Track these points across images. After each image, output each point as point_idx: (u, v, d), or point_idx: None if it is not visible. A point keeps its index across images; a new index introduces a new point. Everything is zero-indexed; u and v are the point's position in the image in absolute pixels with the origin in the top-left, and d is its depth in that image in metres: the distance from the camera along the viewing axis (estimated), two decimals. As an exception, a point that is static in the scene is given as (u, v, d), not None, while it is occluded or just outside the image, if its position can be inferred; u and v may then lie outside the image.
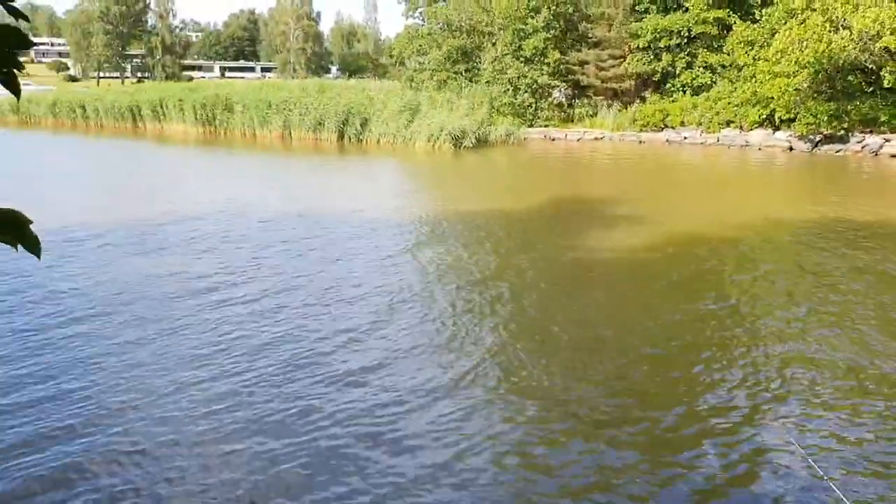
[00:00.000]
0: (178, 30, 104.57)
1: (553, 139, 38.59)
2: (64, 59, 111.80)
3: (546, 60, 40.04)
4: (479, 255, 14.76)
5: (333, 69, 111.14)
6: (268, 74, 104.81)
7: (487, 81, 40.98)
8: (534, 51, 39.83)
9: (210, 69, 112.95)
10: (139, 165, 28.81)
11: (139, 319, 10.56)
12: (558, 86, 41.55)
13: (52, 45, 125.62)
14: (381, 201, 21.19)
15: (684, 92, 39.82)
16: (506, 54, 40.42)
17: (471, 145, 34.43)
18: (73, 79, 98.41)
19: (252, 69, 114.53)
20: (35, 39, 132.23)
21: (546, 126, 40.03)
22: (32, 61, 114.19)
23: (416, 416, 7.89)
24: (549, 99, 41.33)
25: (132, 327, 10.25)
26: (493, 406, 8.22)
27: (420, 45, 45.29)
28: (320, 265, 13.76)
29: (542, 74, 39.94)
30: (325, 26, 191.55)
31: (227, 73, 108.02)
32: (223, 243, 15.30)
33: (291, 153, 33.44)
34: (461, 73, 43.42)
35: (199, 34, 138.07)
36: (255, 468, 6.81)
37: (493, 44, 41.41)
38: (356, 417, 7.80)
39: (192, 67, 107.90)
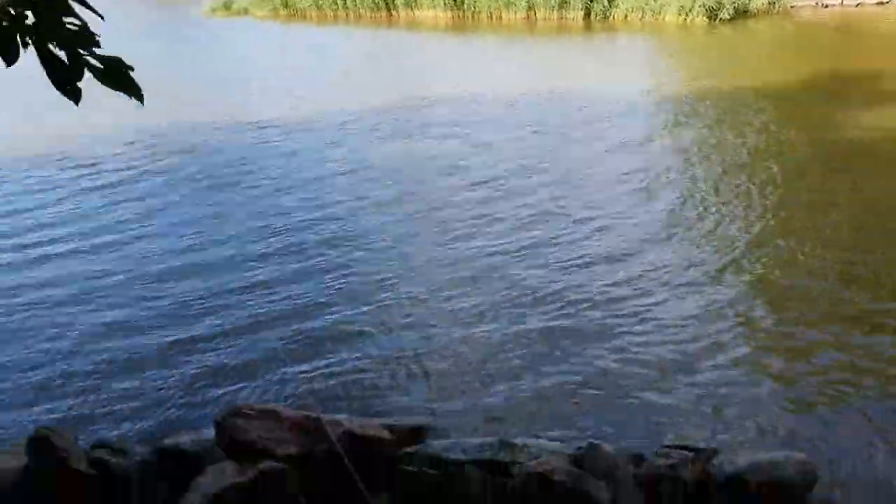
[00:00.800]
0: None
1: (826, 5, 34.32)
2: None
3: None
4: (744, 135, 14.03)
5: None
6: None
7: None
8: None
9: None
10: (390, 52, 30.29)
11: (396, 201, 11.51)
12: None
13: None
14: (630, 80, 20.60)
15: None
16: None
17: (727, 17, 31.73)
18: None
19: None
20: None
21: (818, -10, 35.61)
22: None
23: (673, 304, 8.03)
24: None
25: (390, 207, 11.26)
26: (753, 299, 8.12)
27: None
28: (570, 147, 13.97)
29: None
30: None
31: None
32: (469, 126, 15.98)
33: (536, 33, 33.17)
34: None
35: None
36: (494, 349, 7.44)
37: None
38: (606, 303, 8.14)
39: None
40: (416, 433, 6.18)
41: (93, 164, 13.75)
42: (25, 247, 10.15)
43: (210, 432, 5.60)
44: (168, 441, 5.52)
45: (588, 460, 5.16)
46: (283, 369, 7.02)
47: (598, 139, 14.53)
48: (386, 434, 5.48)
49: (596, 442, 5.37)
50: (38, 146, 14.88)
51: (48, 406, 6.60)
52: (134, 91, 2.66)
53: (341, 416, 5.63)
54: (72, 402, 6.64)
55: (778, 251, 9.16)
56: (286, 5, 46.26)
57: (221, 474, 4.89)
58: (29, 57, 2.67)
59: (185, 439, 5.55)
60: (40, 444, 5.00)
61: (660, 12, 33.05)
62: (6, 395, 6.81)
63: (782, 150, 13.00)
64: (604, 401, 6.51)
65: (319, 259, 9.53)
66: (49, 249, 10.03)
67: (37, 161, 13.97)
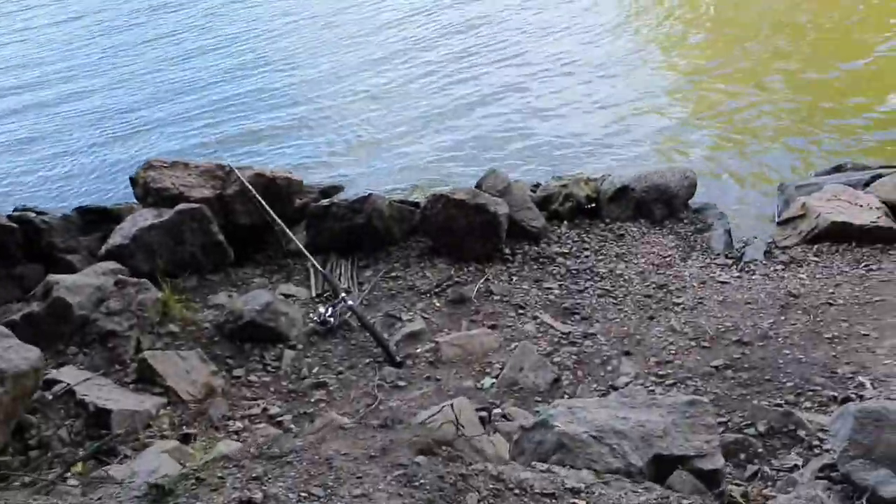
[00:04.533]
0: None
1: None
2: None
3: None
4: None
5: None
6: None
7: None
8: None
9: None
10: None
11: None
12: None
13: None
14: None
15: None
16: None
17: None
18: None
19: None
20: None
21: None
22: None
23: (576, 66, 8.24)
24: None
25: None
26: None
27: None
28: None
29: None
30: None
31: None
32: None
33: None
34: None
35: None
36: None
37: None
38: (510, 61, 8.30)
39: None
40: (332, 190, 6.52)
41: None
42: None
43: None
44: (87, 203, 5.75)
45: (487, 181, 5.55)
46: (194, 129, 7.18)
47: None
48: (297, 177, 5.75)
49: (494, 167, 5.74)
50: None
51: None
52: None
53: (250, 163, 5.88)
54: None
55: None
56: None
57: (139, 218, 5.15)
58: None
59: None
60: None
61: None
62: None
63: None
64: (504, 145, 6.87)
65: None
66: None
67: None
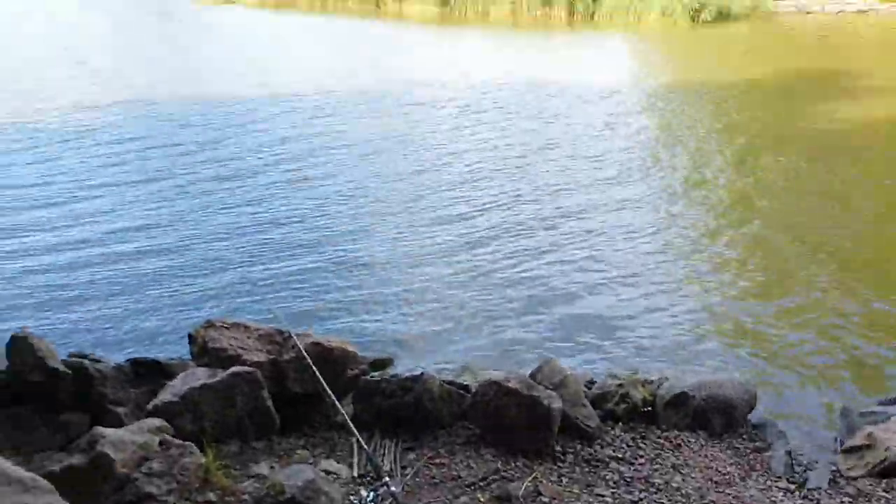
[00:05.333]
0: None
1: (808, 12, 35.00)
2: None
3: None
4: (721, 123, 14.44)
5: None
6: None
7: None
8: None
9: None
10: (375, 40, 30.52)
11: (377, 175, 11.78)
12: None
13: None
14: (610, 72, 20.99)
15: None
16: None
17: (709, 19, 32.31)
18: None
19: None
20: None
21: (800, -4, 36.30)
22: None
23: (634, 260, 8.40)
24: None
25: (364, 175, 11.54)
26: (712, 253, 8.50)
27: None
28: (546, 129, 14.31)
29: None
30: None
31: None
32: (448, 108, 16.29)
33: (519, 29, 33.56)
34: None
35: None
36: (461, 291, 7.77)
37: None
38: (572, 258, 8.47)
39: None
40: (384, 362, 6.50)
41: (90, 130, 13.99)
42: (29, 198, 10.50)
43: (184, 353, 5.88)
44: (142, 355, 5.77)
45: (542, 373, 5.46)
46: (255, 295, 7.31)
47: (575, 123, 14.88)
48: (353, 349, 5.74)
49: (550, 357, 5.67)
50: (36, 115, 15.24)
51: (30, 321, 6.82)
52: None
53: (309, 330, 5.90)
54: (52, 319, 6.87)
55: (746, 227, 9.56)
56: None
57: (192, 376, 5.14)
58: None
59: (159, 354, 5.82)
60: (18, 344, 5.21)
61: (643, 12, 33.57)
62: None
63: (758, 138, 13.43)
64: (562, 337, 6.83)
65: (290, 210, 9.93)
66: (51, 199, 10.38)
67: (37, 127, 14.30)
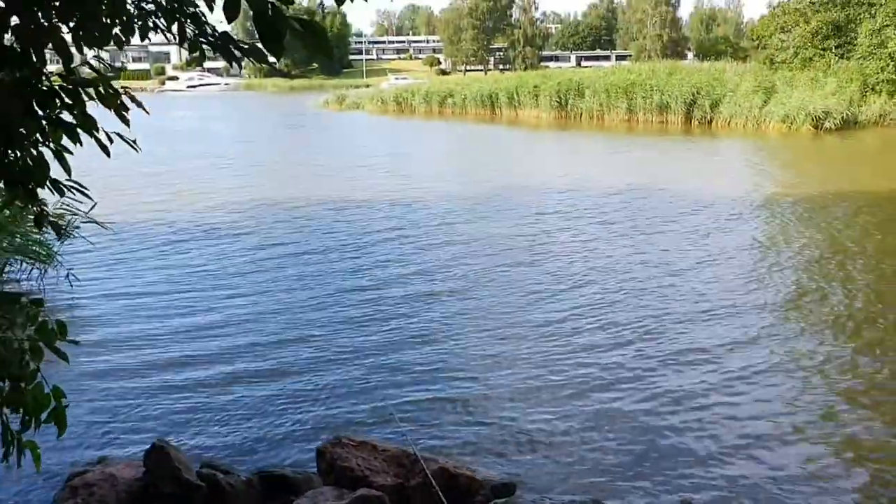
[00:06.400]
0: (539, 22, 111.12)
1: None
2: (437, 55, 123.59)
3: (937, 30, 34.73)
4: (842, 239, 13.82)
5: (690, 55, 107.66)
6: (623, 62, 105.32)
7: (861, 57, 36.77)
8: (922, 19, 34.80)
9: (566, 59, 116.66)
10: (493, 145, 31.32)
11: (490, 274, 11.85)
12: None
13: (428, 41, 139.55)
14: (728, 181, 20.58)
15: None
16: (887, 25, 35.87)
17: (834, 127, 31.40)
18: (443, 72, 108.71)
19: (607, 58, 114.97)
20: (414, 37, 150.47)
21: (932, 104, 34.83)
22: (411, 57, 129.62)
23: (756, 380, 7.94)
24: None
25: (484, 276, 11.59)
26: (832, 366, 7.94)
27: (784, 22, 42.15)
28: (660, 238, 14.06)
29: (931, 45, 34.74)
30: (684, 11, 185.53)
31: (583, 63, 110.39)
32: (564, 214, 16.35)
33: (635, 134, 33.68)
34: (830, 49, 39.55)
35: (559, 25, 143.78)
36: (592, 416, 7.48)
37: (873, 15, 36.99)
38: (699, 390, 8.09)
39: (550, 58, 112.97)
40: (507, 488, 6.27)
41: (236, 235, 14.93)
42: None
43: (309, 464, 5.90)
44: (271, 468, 5.83)
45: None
46: (380, 401, 7.32)
47: (690, 233, 14.56)
48: (479, 477, 5.59)
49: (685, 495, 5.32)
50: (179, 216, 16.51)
51: (161, 421, 7.05)
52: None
53: (436, 456, 5.79)
54: (183, 419, 7.08)
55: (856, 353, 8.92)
56: (397, 101, 48.95)
57: (320, 496, 5.12)
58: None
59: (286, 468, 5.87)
60: (157, 455, 5.37)
61: (764, 119, 33.03)
62: (121, 413, 7.29)
63: (874, 257, 12.72)
64: (695, 467, 6.41)
65: (414, 311, 10.05)
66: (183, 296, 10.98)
67: (181, 227, 15.45)
